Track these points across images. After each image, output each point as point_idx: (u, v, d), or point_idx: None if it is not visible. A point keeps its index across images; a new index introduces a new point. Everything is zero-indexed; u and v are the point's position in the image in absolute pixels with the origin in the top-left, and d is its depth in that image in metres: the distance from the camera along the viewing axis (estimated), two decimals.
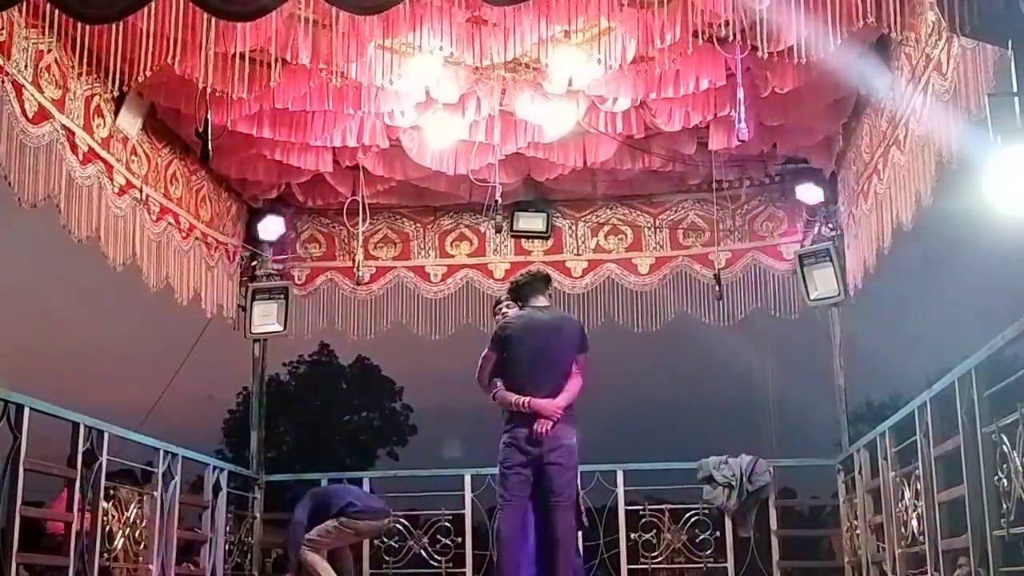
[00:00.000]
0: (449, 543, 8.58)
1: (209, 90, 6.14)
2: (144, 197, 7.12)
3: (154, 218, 7.31)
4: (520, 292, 6.24)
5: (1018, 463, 4.16)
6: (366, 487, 8.70)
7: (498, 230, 8.64)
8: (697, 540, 8.48)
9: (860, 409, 24.49)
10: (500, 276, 8.98)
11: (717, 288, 8.53)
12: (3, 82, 5.38)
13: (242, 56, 5.96)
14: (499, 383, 6.02)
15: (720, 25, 5.91)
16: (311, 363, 35.01)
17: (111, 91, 6.11)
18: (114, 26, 5.30)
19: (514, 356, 6.00)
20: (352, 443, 34.53)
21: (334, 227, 9.25)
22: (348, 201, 8.66)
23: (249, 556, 8.54)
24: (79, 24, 5.26)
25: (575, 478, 6.06)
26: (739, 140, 6.85)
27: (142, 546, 6.42)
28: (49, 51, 5.83)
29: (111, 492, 6.07)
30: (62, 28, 5.40)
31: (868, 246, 7.31)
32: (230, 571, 7.98)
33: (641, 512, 8.59)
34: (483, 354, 6.13)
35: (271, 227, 8.98)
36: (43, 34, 5.59)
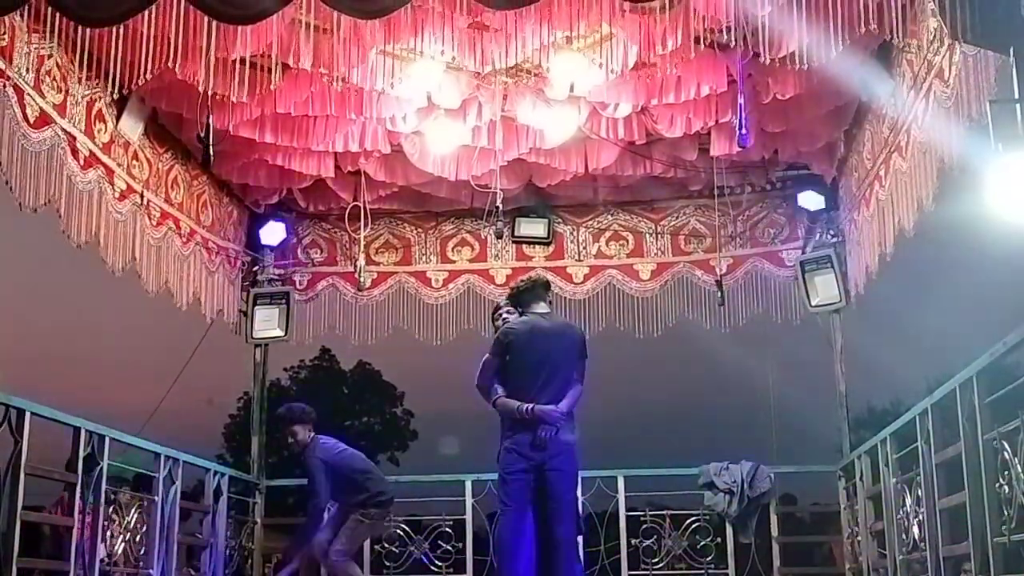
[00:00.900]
0: (450, 548, 8.56)
1: (211, 95, 6.14)
2: (145, 202, 7.13)
3: (154, 223, 7.31)
4: (521, 298, 6.24)
5: (1019, 470, 4.15)
6: None
7: (499, 236, 8.62)
8: (698, 546, 8.46)
9: (861, 415, 24.47)
10: (501, 281, 8.97)
11: (719, 294, 8.53)
12: (4, 87, 5.38)
13: (243, 61, 5.96)
14: (500, 389, 6.00)
15: (722, 31, 5.90)
16: (312, 368, 35.00)
17: (112, 95, 6.10)
18: (115, 30, 5.31)
19: (517, 362, 5.99)
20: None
21: (335, 232, 9.24)
22: (350, 206, 8.68)
23: (250, 561, 8.53)
24: (80, 28, 5.28)
25: (576, 484, 6.07)
26: (740, 146, 6.85)
27: (143, 551, 6.40)
28: (50, 56, 5.84)
29: (111, 497, 6.06)
30: (63, 32, 5.39)
31: (870, 252, 7.31)
32: None
33: (642, 518, 8.58)
34: (484, 359, 6.12)
35: (273, 232, 9.00)
36: (44, 38, 5.58)
